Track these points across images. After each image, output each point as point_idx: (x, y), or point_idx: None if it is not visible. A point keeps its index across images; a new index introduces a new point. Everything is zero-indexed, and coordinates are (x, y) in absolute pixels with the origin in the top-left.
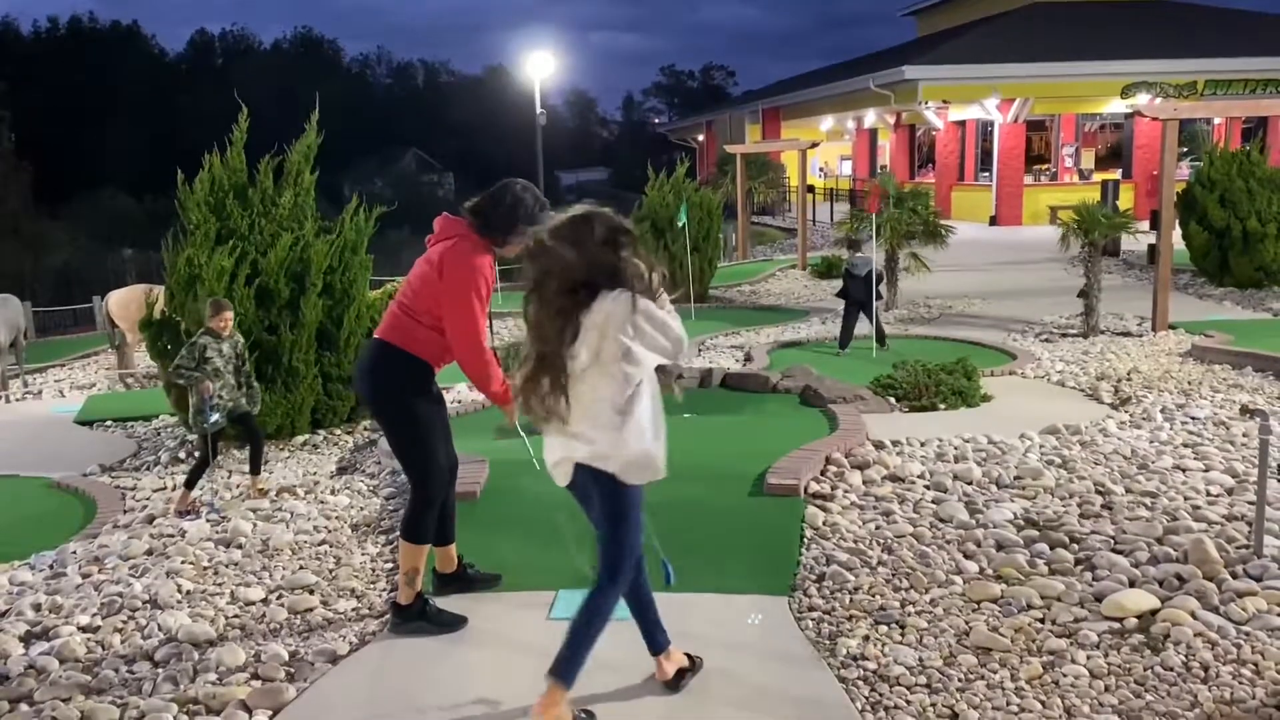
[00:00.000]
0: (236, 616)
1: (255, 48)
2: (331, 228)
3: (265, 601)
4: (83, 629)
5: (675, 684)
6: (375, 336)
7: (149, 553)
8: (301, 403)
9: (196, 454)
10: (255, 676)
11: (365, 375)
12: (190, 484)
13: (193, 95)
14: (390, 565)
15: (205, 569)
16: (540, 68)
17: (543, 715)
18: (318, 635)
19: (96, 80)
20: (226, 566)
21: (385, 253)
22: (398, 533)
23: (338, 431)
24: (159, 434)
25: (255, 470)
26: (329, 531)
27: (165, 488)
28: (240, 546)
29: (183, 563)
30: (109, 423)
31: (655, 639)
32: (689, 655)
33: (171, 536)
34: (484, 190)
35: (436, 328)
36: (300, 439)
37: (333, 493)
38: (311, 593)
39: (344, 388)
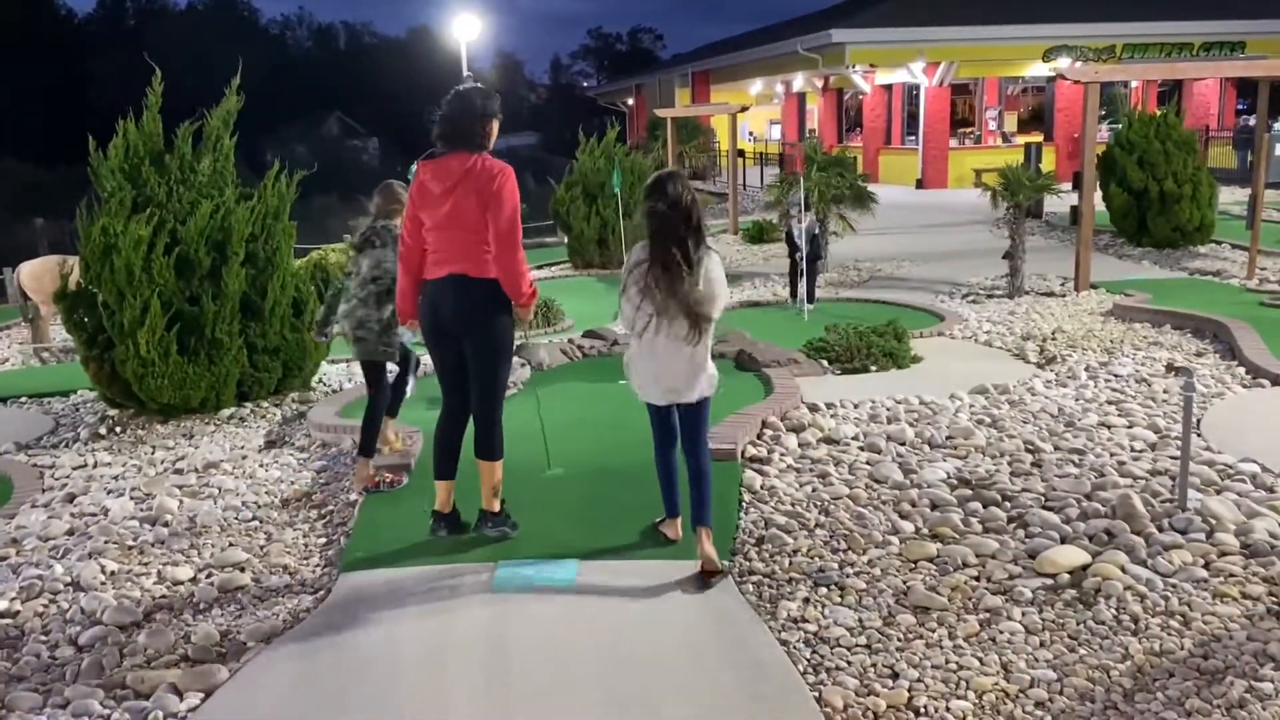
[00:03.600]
0: (164, 597)
1: (169, 9)
2: (253, 194)
3: (194, 580)
4: (1, 614)
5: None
6: (469, 275)
7: (70, 533)
8: (226, 375)
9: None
10: (185, 658)
11: (479, 311)
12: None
13: (104, 59)
14: (324, 540)
15: (130, 548)
16: (466, 30)
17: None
18: (250, 614)
19: (0, 44)
20: (153, 545)
21: (309, 219)
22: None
23: (264, 404)
24: (78, 410)
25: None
26: (259, 507)
27: (85, 465)
28: (167, 524)
29: (106, 542)
30: (24, 399)
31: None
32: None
33: (94, 515)
34: (447, 127)
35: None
36: (226, 412)
37: (262, 467)
38: (242, 570)
39: (270, 359)
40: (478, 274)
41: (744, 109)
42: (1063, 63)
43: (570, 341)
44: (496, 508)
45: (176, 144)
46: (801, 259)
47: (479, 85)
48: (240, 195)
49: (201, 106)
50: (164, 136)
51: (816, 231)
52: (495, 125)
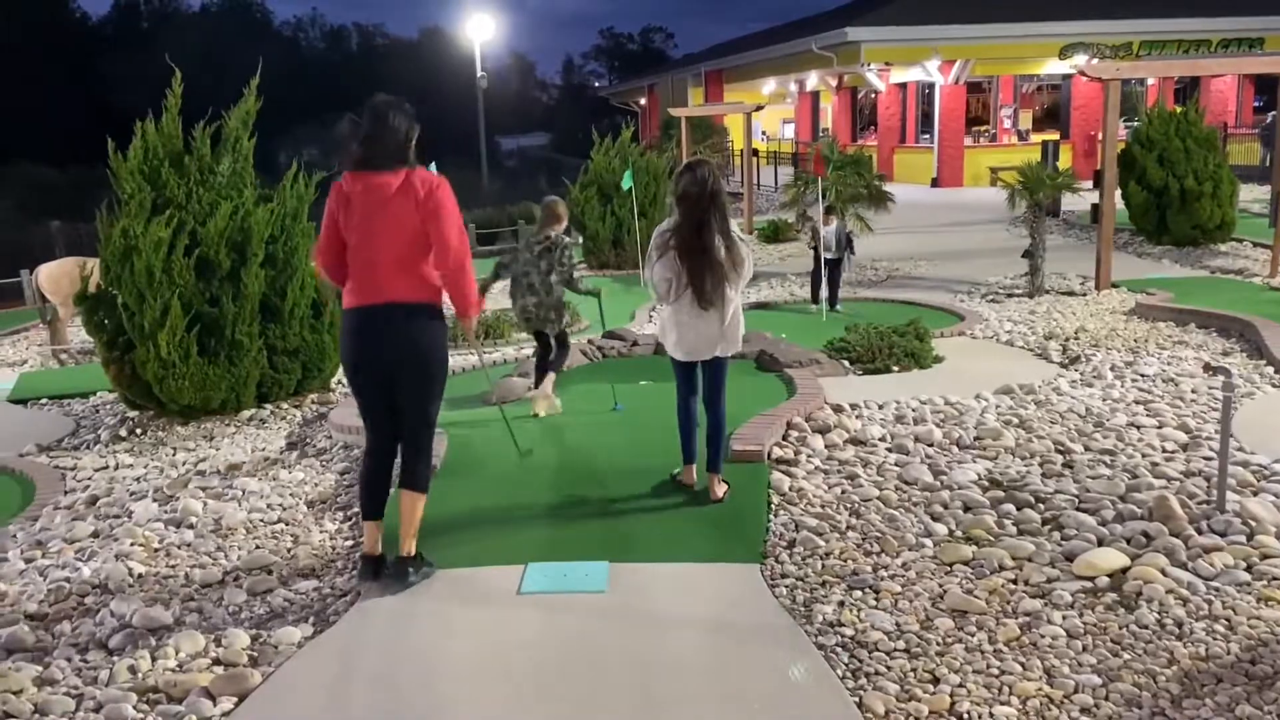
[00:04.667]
0: (193, 600)
1: (182, 11)
2: (272, 196)
3: (222, 584)
4: (30, 617)
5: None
6: (403, 301)
7: (95, 535)
8: (246, 376)
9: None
10: (217, 662)
11: (415, 341)
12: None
13: (117, 61)
14: (351, 544)
15: (156, 551)
16: (480, 30)
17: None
18: (279, 618)
19: (15, 46)
20: (179, 548)
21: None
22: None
23: (284, 405)
24: (97, 411)
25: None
26: (284, 509)
27: (107, 467)
28: (192, 527)
29: (132, 545)
30: (44, 401)
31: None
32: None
33: (118, 518)
34: (373, 148)
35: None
36: (246, 414)
37: (285, 468)
38: (270, 573)
39: (289, 360)
40: (409, 299)
41: (759, 108)
42: (1080, 59)
43: (590, 342)
44: (412, 550)
45: (195, 145)
46: (835, 262)
47: (397, 101)
48: (259, 197)
49: (215, 108)
50: (183, 138)
51: (847, 233)
52: (414, 141)
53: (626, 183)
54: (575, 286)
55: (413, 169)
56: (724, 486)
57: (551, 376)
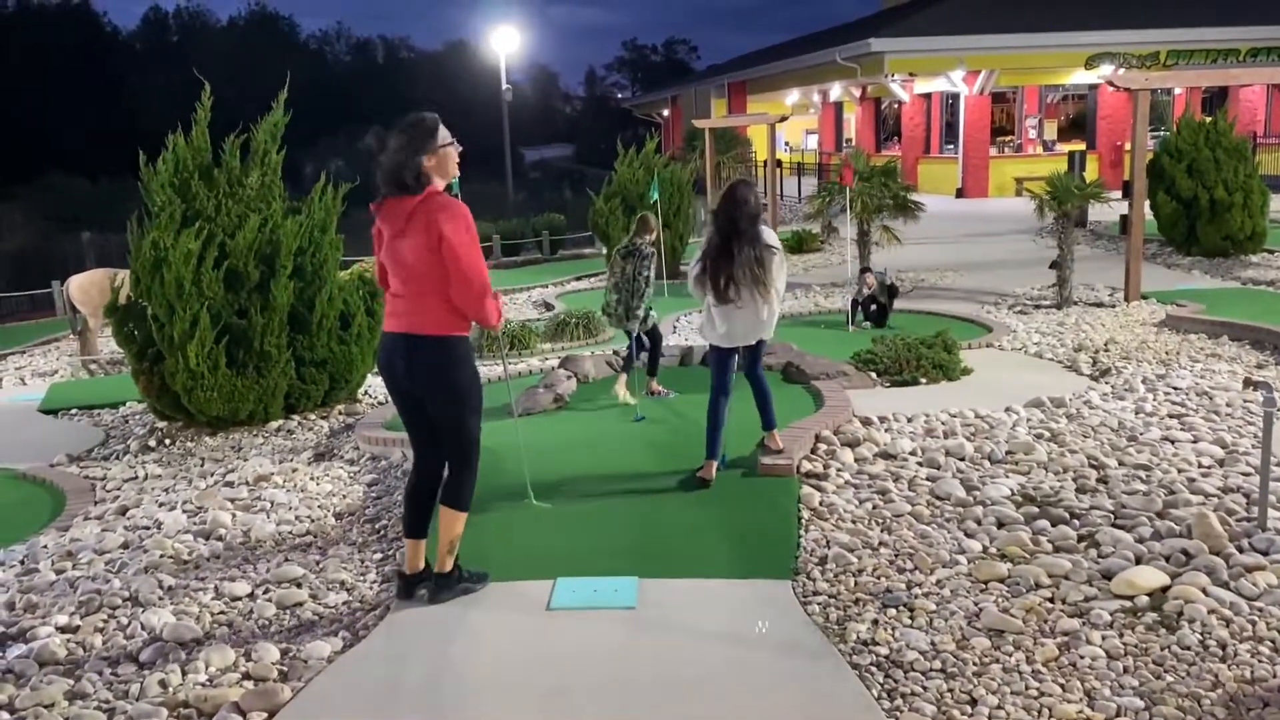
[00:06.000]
0: (223, 613)
1: (210, 24)
2: (300, 208)
3: (251, 596)
4: (61, 629)
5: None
6: (424, 334)
7: (125, 546)
8: (274, 387)
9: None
10: (247, 676)
11: (435, 373)
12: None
13: (145, 74)
14: (380, 556)
15: (185, 563)
16: (506, 43)
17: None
18: (309, 631)
19: (46, 60)
20: (208, 560)
21: (350, 232)
22: (441, 505)
23: (312, 416)
24: (127, 421)
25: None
26: (312, 521)
27: (136, 477)
28: (221, 538)
29: (161, 556)
30: (74, 411)
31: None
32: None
33: (147, 529)
34: (383, 173)
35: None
36: (274, 424)
37: (313, 479)
38: (299, 586)
39: (317, 371)
40: (427, 331)
41: (783, 119)
42: (1106, 70)
43: (615, 353)
44: (449, 567)
45: (224, 158)
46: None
47: (419, 119)
48: (288, 209)
49: (242, 120)
50: (212, 151)
51: (889, 282)
52: (434, 161)
53: (653, 194)
54: (638, 292)
55: (432, 196)
56: (780, 443)
57: (623, 378)
